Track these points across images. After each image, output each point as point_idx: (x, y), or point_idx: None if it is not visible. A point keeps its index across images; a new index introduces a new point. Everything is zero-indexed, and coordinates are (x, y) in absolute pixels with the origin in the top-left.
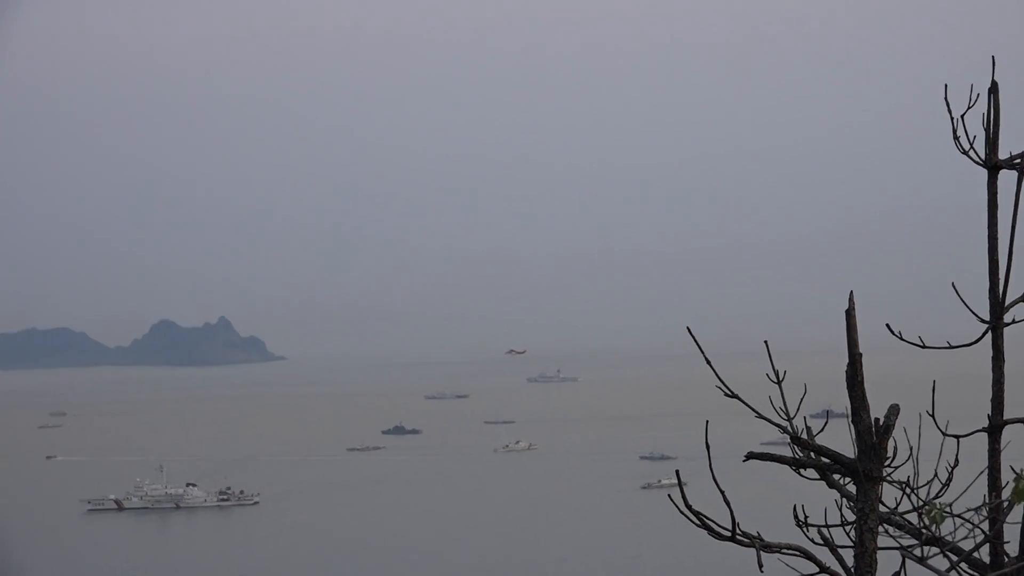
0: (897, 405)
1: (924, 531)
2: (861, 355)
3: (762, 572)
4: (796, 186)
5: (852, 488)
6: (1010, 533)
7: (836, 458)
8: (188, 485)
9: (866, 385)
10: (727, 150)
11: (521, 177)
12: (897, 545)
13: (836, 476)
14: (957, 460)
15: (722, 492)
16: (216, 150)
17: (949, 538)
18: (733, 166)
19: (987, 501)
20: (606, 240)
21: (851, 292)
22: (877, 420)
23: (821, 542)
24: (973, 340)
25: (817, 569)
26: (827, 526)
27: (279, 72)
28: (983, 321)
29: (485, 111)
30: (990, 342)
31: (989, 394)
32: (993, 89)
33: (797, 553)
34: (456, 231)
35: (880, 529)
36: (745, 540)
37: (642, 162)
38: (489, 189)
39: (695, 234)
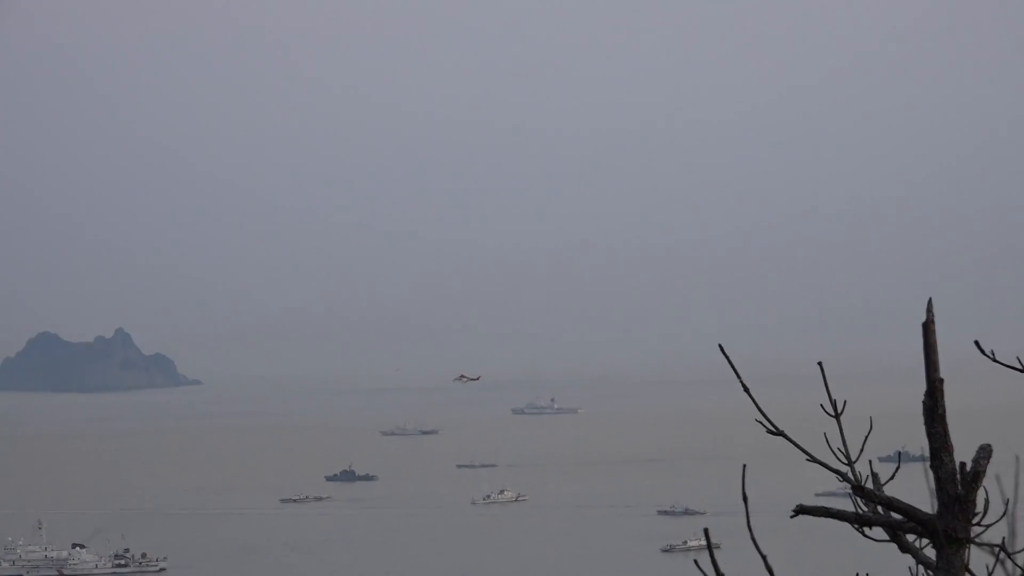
0: (989, 446)
1: None
2: (943, 381)
3: None
4: (842, 159)
5: (931, 552)
6: None
7: (910, 514)
8: (75, 546)
9: (949, 419)
10: (737, 115)
11: (496, 155)
12: None
13: (910, 537)
14: None
15: (763, 557)
16: (112, 120)
17: None
18: (758, 134)
19: None
20: (606, 234)
21: (929, 300)
22: (963, 465)
23: None
24: None
25: None
26: None
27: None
28: None
29: (470, 80)
30: None
31: None
32: None
33: None
34: (413, 222)
35: None
36: None
37: (651, 136)
38: (455, 167)
39: (720, 222)
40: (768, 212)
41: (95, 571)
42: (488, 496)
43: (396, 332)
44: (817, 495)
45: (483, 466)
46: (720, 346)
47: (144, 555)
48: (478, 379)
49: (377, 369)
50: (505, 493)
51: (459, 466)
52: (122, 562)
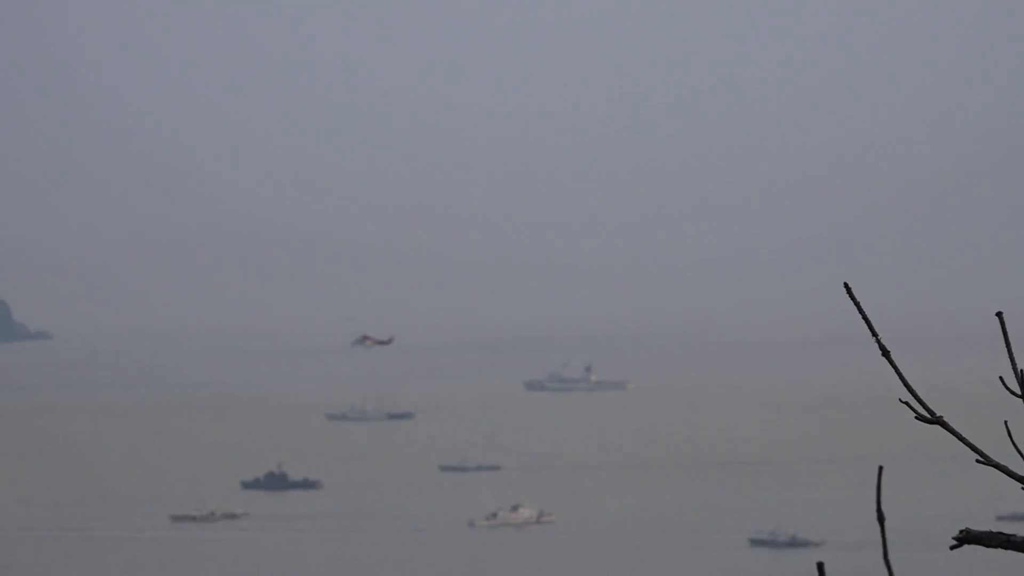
0: None
1: None
2: None
3: None
4: None
5: None
6: None
7: None
8: None
9: None
10: None
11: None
12: None
13: None
14: None
15: None
16: None
17: None
18: None
19: None
20: (656, 94)
21: None
22: None
23: None
24: None
25: None
26: None
27: None
28: None
29: None
30: None
31: None
32: None
33: None
34: (390, 76)
35: None
36: None
37: None
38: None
39: (819, 98)
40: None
41: None
42: (494, 515)
43: (348, 264)
44: (999, 519)
45: (480, 469)
46: (847, 286)
47: None
48: (389, 342)
49: (319, 319)
50: (520, 511)
51: (444, 468)
52: None
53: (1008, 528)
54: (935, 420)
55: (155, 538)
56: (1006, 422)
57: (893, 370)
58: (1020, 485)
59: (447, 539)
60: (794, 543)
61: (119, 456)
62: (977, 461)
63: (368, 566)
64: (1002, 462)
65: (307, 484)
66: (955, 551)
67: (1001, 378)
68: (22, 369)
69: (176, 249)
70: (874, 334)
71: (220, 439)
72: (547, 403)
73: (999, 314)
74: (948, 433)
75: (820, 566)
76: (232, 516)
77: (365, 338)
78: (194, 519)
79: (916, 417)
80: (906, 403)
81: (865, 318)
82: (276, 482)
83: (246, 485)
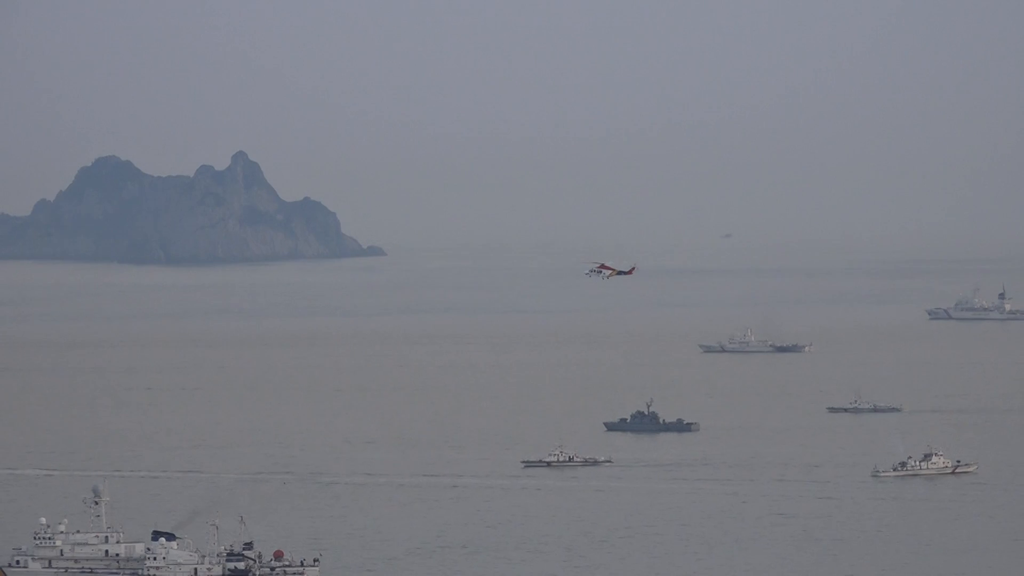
0: None
1: None
2: None
3: None
4: None
5: None
6: None
7: None
8: (158, 536)
9: None
10: None
11: None
12: None
13: None
14: None
15: None
16: None
17: None
18: None
19: None
20: None
21: None
22: None
23: None
24: None
25: None
26: None
27: None
28: None
29: None
30: None
31: None
32: None
33: None
34: None
35: None
36: None
37: None
38: None
39: None
40: None
41: None
42: (902, 464)
43: (725, 178)
44: None
45: (876, 411)
46: None
47: (277, 554)
48: (631, 272)
49: (690, 234)
50: (933, 459)
51: (832, 409)
52: (240, 564)
53: None
54: None
55: (502, 485)
56: None
57: None
58: None
59: (851, 492)
60: None
61: (463, 391)
62: None
63: (756, 523)
64: None
65: (680, 426)
66: None
67: None
68: (358, 290)
69: (507, 164)
70: None
71: (580, 373)
72: (951, 334)
73: None
74: None
75: None
76: (593, 462)
77: (602, 267)
78: (548, 464)
79: None
80: None
81: None
82: (645, 424)
83: (610, 426)
